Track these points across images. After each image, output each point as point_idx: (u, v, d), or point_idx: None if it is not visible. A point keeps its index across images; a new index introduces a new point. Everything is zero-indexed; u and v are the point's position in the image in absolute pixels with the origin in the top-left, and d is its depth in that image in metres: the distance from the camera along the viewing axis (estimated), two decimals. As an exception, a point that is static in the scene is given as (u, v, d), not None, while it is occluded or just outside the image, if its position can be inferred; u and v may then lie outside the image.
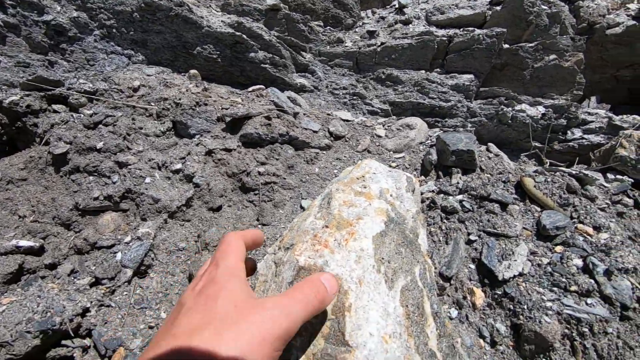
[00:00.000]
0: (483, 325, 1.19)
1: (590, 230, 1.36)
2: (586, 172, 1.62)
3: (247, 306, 0.49)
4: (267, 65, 2.15)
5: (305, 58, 2.44)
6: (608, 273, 1.14)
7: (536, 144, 2.49)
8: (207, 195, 1.61)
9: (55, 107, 1.63)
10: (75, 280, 1.22)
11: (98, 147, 1.55)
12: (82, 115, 1.61)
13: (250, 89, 2.03)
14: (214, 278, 0.54)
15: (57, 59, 1.83)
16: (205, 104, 1.78)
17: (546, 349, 1.08)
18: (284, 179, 1.73)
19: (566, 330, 1.10)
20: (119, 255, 1.35)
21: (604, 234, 1.35)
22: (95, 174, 1.54)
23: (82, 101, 1.64)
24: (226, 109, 1.81)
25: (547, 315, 1.10)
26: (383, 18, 2.75)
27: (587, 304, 1.11)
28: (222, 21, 2.08)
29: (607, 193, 1.56)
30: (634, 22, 2.70)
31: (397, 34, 2.50)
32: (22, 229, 1.37)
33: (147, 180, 1.56)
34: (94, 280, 1.24)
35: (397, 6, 2.75)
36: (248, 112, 1.77)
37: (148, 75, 1.88)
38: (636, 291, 1.12)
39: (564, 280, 1.16)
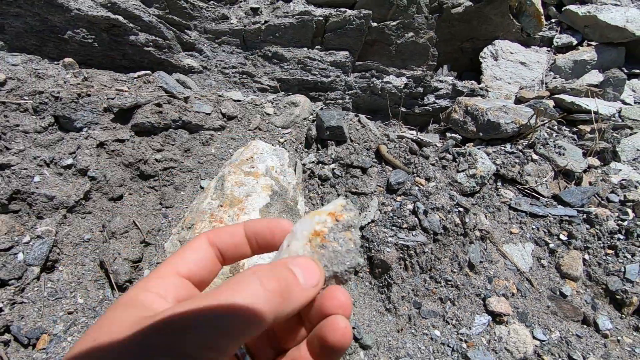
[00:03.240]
0: (349, 261, 1.62)
1: (423, 181, 1.87)
2: (424, 136, 2.13)
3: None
4: (150, 48, 2.15)
5: (190, 37, 2.47)
6: (425, 212, 1.65)
7: (402, 109, 3.02)
8: (105, 186, 1.69)
9: None
10: (-22, 285, 1.27)
11: (-30, 151, 1.49)
12: (-59, 117, 1.49)
13: (135, 74, 2.04)
14: (117, 301, 0.36)
15: None
16: (88, 95, 1.78)
17: (387, 269, 1.56)
18: (182, 162, 1.89)
19: (400, 255, 1.58)
20: (20, 256, 1.41)
21: (432, 183, 1.87)
22: (-27, 178, 1.49)
23: (-63, 101, 1.51)
24: (112, 98, 1.83)
25: (388, 247, 1.57)
26: (265, -7, 2.86)
27: (412, 235, 1.61)
28: (92, 0, 1.99)
29: (437, 151, 2.09)
30: (470, 3, 3.32)
31: (279, 12, 2.67)
32: None
33: (37, 179, 1.57)
34: (-1, 282, 1.30)
35: (278, -18, 2.87)
36: (136, 102, 1.83)
37: (13, 65, 1.75)
38: (442, 221, 1.65)
39: (399, 220, 1.64)
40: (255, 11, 2.71)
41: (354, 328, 1.42)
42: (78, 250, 1.52)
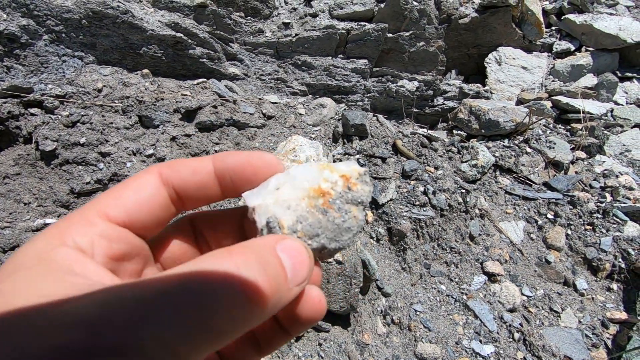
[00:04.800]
0: (372, 231, 2.03)
1: (432, 169, 2.26)
2: (433, 133, 2.52)
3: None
4: (204, 60, 2.59)
5: (233, 48, 2.91)
6: (434, 193, 2.04)
7: (414, 110, 3.41)
8: (177, 171, 2.13)
9: (32, 110, 1.92)
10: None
11: (81, 142, 1.94)
12: (60, 116, 1.94)
13: (195, 82, 2.48)
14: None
15: (13, 64, 2.05)
16: (162, 99, 2.22)
17: (403, 237, 1.96)
18: (234, 153, 2.32)
19: (413, 226, 1.98)
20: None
21: (439, 171, 2.26)
22: (83, 163, 1.94)
23: (56, 104, 1.96)
24: (179, 102, 2.27)
25: (403, 219, 1.97)
26: (295, 9, 3.28)
27: (424, 210, 2.00)
28: (159, 21, 2.43)
29: (444, 145, 2.48)
30: (476, 14, 3.69)
31: (307, 26, 3.09)
32: (37, 212, 1.77)
33: (128, 164, 2.02)
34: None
35: (305, -2, 3.30)
36: (199, 104, 2.27)
37: (104, 75, 2.21)
38: (447, 200, 2.04)
39: (413, 199, 2.03)
40: (286, 25, 3.13)
41: (377, 280, 1.82)
42: (162, 219, 1.96)
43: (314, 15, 3.17)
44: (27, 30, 2.05)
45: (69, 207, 1.90)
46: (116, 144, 2.03)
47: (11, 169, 1.86)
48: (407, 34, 3.33)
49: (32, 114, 1.93)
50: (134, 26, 2.25)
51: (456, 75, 4.00)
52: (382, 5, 3.20)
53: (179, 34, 2.42)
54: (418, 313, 1.80)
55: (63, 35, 2.15)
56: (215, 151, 2.23)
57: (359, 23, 3.13)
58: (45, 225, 1.68)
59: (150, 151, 2.09)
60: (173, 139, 2.18)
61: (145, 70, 2.31)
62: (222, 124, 2.34)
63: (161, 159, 2.10)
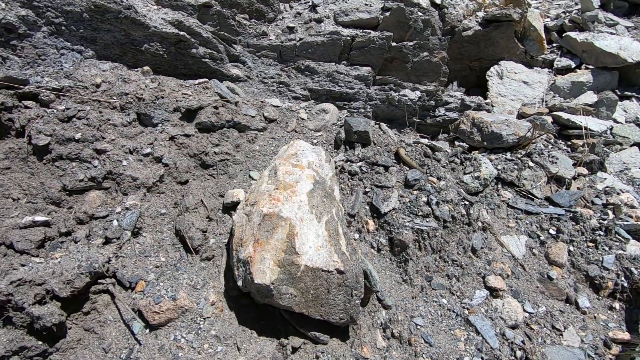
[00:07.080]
0: (373, 241, 1.98)
1: (435, 180, 2.22)
2: (436, 143, 2.49)
3: None
4: (207, 60, 2.55)
5: (236, 50, 2.87)
6: (438, 203, 2.00)
7: (416, 119, 3.39)
8: (175, 172, 2.06)
9: (26, 103, 1.85)
10: (91, 241, 1.63)
11: (76, 138, 1.87)
12: (55, 111, 1.88)
13: (197, 82, 2.43)
14: None
15: (9, 55, 1.98)
16: (162, 97, 2.16)
17: (405, 248, 1.91)
18: (234, 156, 2.26)
19: (416, 237, 1.93)
20: (115, 222, 1.78)
21: (442, 182, 2.23)
22: (77, 160, 1.87)
23: (51, 97, 1.89)
24: (180, 101, 2.21)
25: (406, 230, 1.92)
26: (299, 14, 3.26)
27: (426, 221, 1.96)
28: (162, 19, 2.39)
29: (447, 156, 2.45)
30: (479, 27, 3.70)
31: (312, 31, 3.07)
32: (26, 208, 1.69)
33: (124, 163, 1.95)
34: (105, 240, 1.67)
35: (310, 4, 3.28)
36: (200, 104, 2.21)
37: (104, 70, 2.15)
38: (450, 212, 2.00)
39: (416, 209, 1.99)
40: (291, 30, 3.11)
41: (377, 292, 1.77)
42: (157, 221, 1.89)
43: (319, 21, 3.16)
44: (25, 21, 1.99)
45: (60, 204, 1.82)
46: (112, 141, 1.97)
47: (1, 162, 1.78)
48: (411, 43, 3.32)
49: (27, 107, 1.86)
50: (137, 22, 2.20)
51: (458, 87, 4.00)
52: (387, 14, 3.19)
53: (182, 33, 2.37)
54: (419, 327, 1.74)
55: (63, 27, 2.09)
56: (215, 152, 2.18)
57: (364, 30, 3.11)
58: (34, 222, 1.60)
59: (148, 150, 2.03)
60: (172, 138, 2.12)
61: (146, 68, 2.25)
62: (222, 125, 2.29)
63: (158, 159, 2.04)
